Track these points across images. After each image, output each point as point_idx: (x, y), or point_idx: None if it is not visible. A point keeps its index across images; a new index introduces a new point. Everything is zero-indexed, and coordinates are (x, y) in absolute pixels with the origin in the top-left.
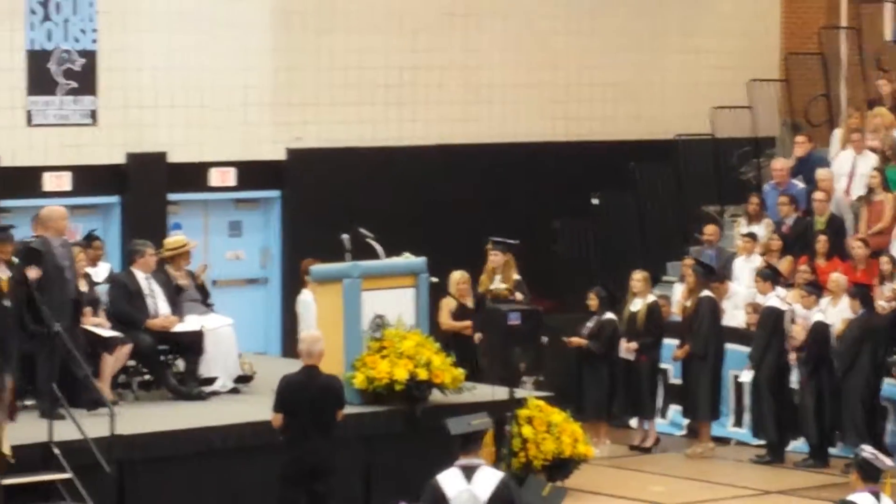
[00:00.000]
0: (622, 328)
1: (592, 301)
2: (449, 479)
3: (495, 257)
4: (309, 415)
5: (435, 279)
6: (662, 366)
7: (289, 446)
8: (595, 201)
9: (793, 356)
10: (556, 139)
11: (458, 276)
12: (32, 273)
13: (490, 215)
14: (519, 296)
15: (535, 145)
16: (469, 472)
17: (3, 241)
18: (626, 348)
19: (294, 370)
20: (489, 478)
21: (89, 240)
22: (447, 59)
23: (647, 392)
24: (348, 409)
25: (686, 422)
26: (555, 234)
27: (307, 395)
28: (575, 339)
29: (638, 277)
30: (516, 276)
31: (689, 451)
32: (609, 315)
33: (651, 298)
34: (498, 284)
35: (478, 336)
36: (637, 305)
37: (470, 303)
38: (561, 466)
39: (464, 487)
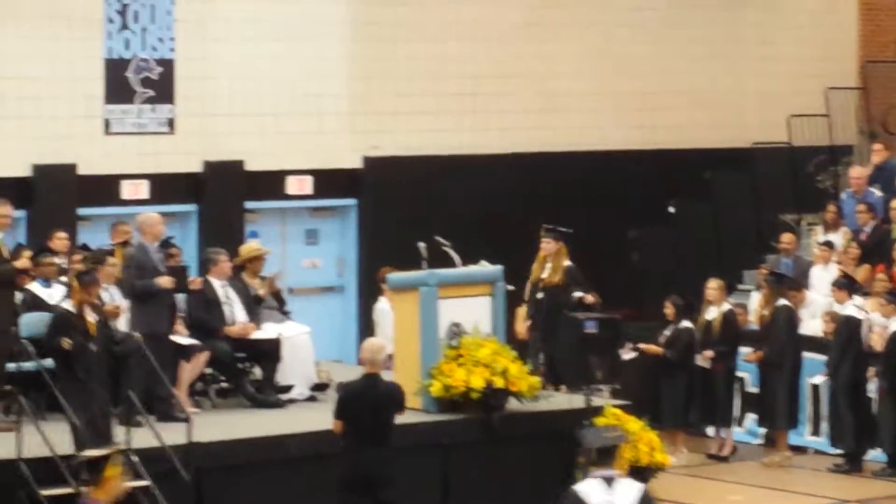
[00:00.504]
0: (698, 336)
1: (669, 309)
2: (591, 490)
3: (547, 245)
4: (367, 423)
5: (511, 287)
6: (739, 374)
7: (346, 453)
8: (671, 209)
9: (871, 370)
10: (631, 147)
11: None
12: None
13: (565, 224)
14: (591, 299)
15: (611, 154)
16: (609, 482)
17: (90, 284)
18: (703, 357)
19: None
20: (630, 488)
21: (165, 247)
22: (523, 68)
23: (724, 400)
24: (424, 417)
25: (763, 430)
26: (631, 242)
27: (366, 402)
28: (651, 347)
29: (713, 286)
30: (567, 263)
31: (766, 460)
32: (686, 323)
33: (726, 307)
34: (549, 273)
35: (526, 325)
36: (712, 314)
37: None
38: (638, 475)
39: (606, 498)
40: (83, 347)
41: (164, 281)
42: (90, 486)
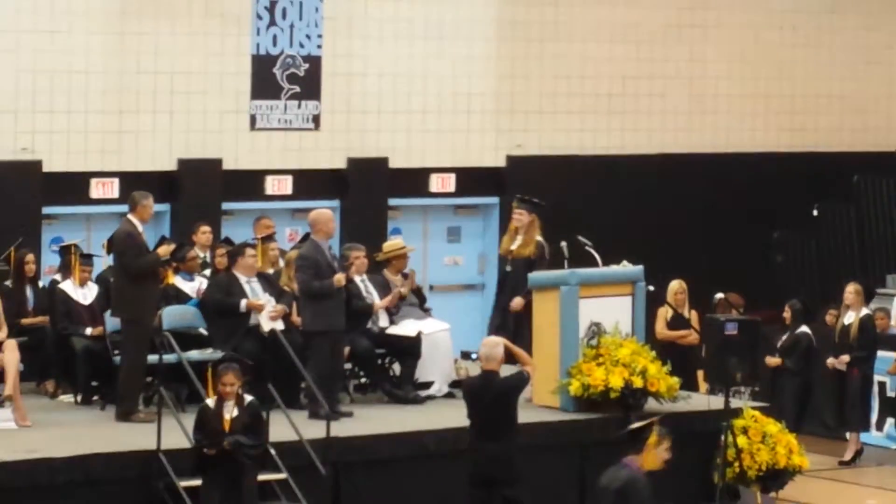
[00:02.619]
0: (835, 340)
1: (787, 313)
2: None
3: (520, 216)
4: (484, 419)
5: (652, 288)
6: (879, 378)
7: (468, 450)
8: (816, 212)
9: None
10: (778, 150)
11: (675, 286)
12: None
13: (709, 224)
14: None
15: (758, 156)
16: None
17: (229, 370)
18: (839, 361)
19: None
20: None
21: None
22: (671, 70)
23: (858, 405)
24: (563, 416)
25: None
26: (775, 244)
27: (482, 399)
28: (772, 360)
29: (851, 290)
30: (539, 238)
31: None
32: (804, 329)
33: (864, 311)
34: (519, 245)
35: (518, 301)
36: (850, 318)
37: (686, 312)
38: (775, 477)
39: None
40: None
41: (340, 279)
42: (634, 454)
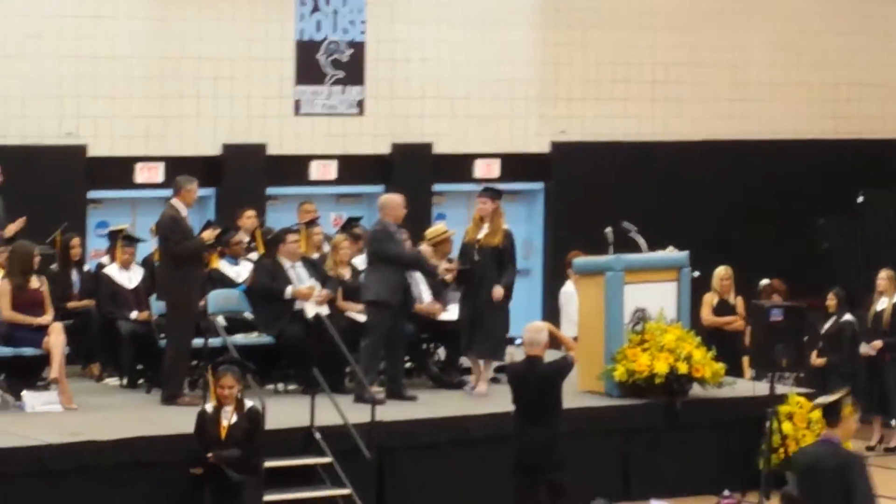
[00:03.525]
0: (868, 326)
1: (831, 301)
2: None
3: (484, 205)
4: (528, 405)
5: (697, 273)
6: None
7: (514, 435)
8: (860, 199)
9: None
10: (823, 137)
11: (721, 272)
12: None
13: (753, 211)
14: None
15: (802, 143)
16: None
17: (228, 373)
18: (872, 347)
19: (553, 359)
20: None
21: (350, 227)
22: (715, 57)
23: (892, 391)
24: (608, 402)
25: None
26: (820, 230)
27: (527, 385)
28: (816, 361)
29: (883, 276)
30: (506, 227)
31: None
32: (848, 317)
33: None
34: (486, 234)
35: (498, 291)
36: (883, 304)
37: (732, 298)
38: None
39: None
40: None
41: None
42: (831, 428)
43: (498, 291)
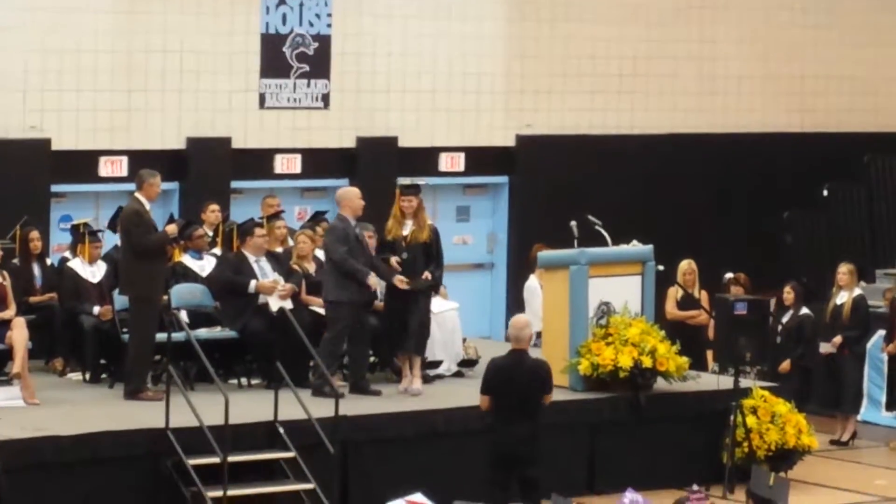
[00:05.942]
0: (826, 321)
1: (788, 295)
2: None
3: (409, 203)
4: (514, 399)
5: (661, 267)
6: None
7: (494, 429)
8: (826, 193)
9: None
10: (790, 130)
11: (684, 266)
12: None
13: (719, 204)
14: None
15: (768, 136)
16: None
17: None
18: (832, 343)
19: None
20: None
21: (316, 221)
22: (682, 50)
23: (850, 386)
24: (572, 396)
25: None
26: (784, 224)
27: (514, 379)
28: (783, 367)
29: (844, 270)
30: (430, 221)
31: (892, 444)
32: (805, 311)
33: (857, 292)
34: (413, 230)
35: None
36: (843, 298)
37: (696, 292)
38: (784, 457)
39: None
40: None
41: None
42: None
43: (443, 292)
